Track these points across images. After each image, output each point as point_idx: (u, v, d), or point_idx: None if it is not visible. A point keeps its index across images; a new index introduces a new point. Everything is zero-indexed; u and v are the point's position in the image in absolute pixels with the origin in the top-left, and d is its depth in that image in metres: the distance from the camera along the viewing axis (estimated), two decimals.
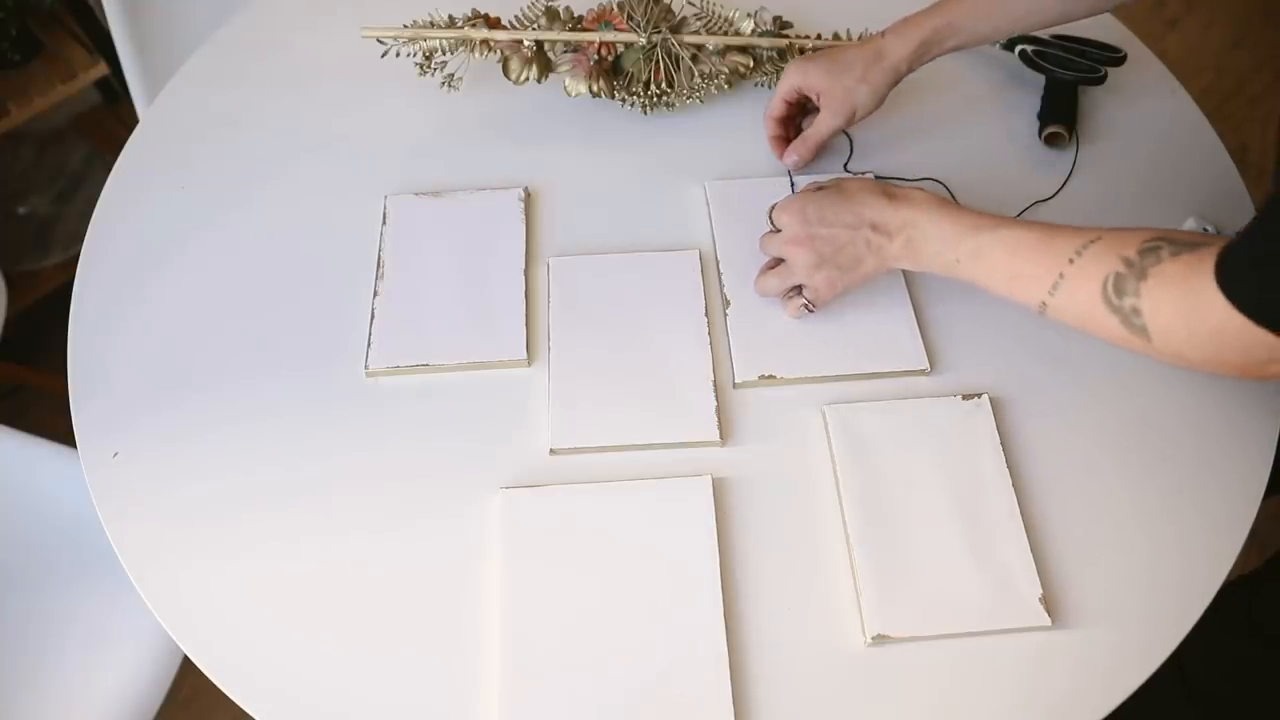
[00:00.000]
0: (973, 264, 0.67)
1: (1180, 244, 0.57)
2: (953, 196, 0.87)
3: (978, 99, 0.96)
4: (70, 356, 0.79)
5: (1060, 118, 0.91)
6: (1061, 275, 0.61)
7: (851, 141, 0.91)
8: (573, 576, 0.67)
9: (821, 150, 0.87)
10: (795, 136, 0.87)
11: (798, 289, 0.77)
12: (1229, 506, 0.71)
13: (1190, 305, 0.54)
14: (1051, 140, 0.91)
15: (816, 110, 0.85)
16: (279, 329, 0.80)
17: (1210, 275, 0.53)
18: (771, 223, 0.78)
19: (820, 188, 0.76)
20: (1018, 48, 0.96)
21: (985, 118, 0.94)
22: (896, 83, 0.82)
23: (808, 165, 0.87)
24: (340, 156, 0.91)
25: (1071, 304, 0.61)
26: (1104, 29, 1.01)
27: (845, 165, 0.90)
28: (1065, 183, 0.88)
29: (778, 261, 0.78)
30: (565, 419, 0.74)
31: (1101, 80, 0.92)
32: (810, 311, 0.77)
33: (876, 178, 0.88)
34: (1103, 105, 0.95)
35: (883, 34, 0.81)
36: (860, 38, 0.94)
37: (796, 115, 0.88)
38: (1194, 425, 0.75)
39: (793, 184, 0.86)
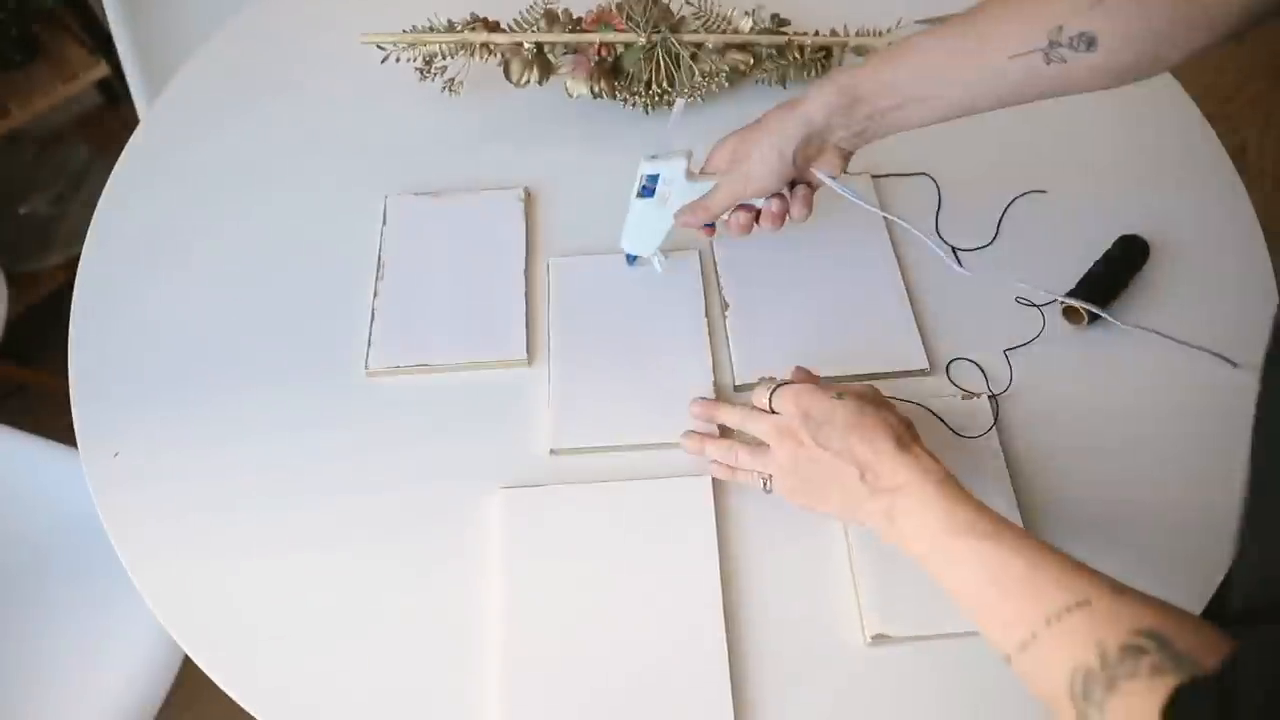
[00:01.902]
0: (944, 567, 0.56)
1: (1175, 655, 0.44)
2: (940, 192, 0.87)
3: None
4: (71, 356, 0.79)
5: (1092, 296, 0.78)
6: (1034, 635, 0.50)
7: None
8: (573, 576, 0.67)
9: (743, 214, 0.74)
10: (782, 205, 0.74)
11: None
12: (1229, 506, 0.71)
13: None
14: (1068, 315, 0.80)
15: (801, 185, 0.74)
16: (279, 329, 0.80)
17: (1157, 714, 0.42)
18: (769, 402, 0.67)
19: (840, 393, 0.65)
20: None
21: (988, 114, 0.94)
22: (820, 140, 0.69)
23: (744, 231, 0.75)
24: (340, 157, 0.91)
25: (1038, 678, 0.50)
26: None
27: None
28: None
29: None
30: (565, 419, 0.74)
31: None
32: (765, 490, 0.68)
33: (873, 177, 0.89)
34: (1101, 105, 0.95)
35: (813, 84, 0.70)
36: (857, 33, 0.94)
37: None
38: (1193, 426, 0.75)
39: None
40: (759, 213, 0.74)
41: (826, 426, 0.63)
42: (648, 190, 0.74)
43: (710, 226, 0.76)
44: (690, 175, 0.73)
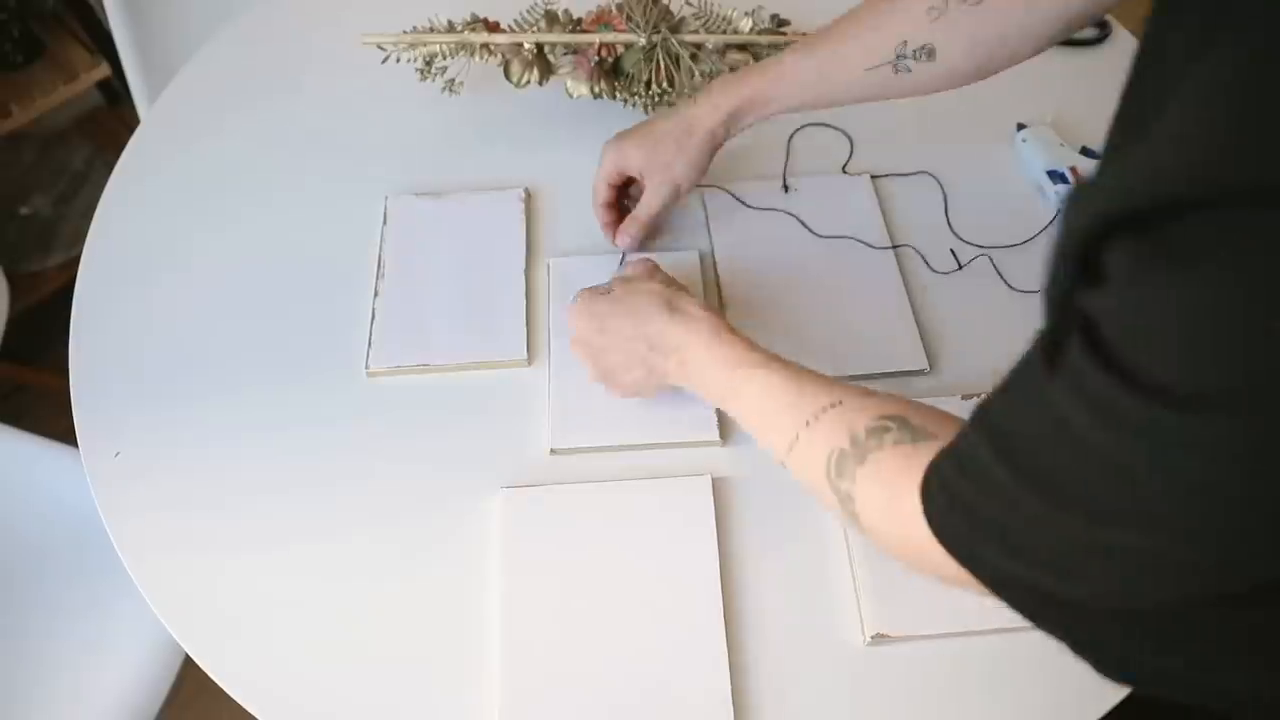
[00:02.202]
0: (732, 402, 0.64)
1: (913, 429, 0.51)
2: (944, 193, 0.87)
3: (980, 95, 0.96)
4: (72, 356, 0.79)
5: None
6: (797, 437, 0.57)
7: (852, 142, 0.91)
8: (573, 576, 0.67)
9: (654, 230, 0.83)
10: (624, 216, 0.83)
11: None
12: None
13: (891, 505, 0.48)
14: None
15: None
16: (280, 329, 0.80)
17: (918, 477, 0.46)
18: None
19: (607, 291, 0.72)
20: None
21: (985, 115, 0.94)
22: (717, 149, 0.79)
23: (642, 243, 0.83)
24: (341, 157, 0.92)
25: (804, 470, 0.57)
26: (1104, 27, 1.01)
27: (844, 167, 0.90)
28: None
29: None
30: (565, 419, 0.74)
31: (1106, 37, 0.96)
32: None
33: (872, 177, 0.89)
34: (1100, 104, 0.95)
35: (696, 100, 0.78)
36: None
37: (622, 196, 0.84)
38: None
39: (623, 259, 0.83)
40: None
41: (607, 321, 0.70)
42: None
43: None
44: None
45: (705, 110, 0.77)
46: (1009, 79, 0.97)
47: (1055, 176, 0.87)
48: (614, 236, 0.83)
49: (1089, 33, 0.98)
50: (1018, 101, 0.95)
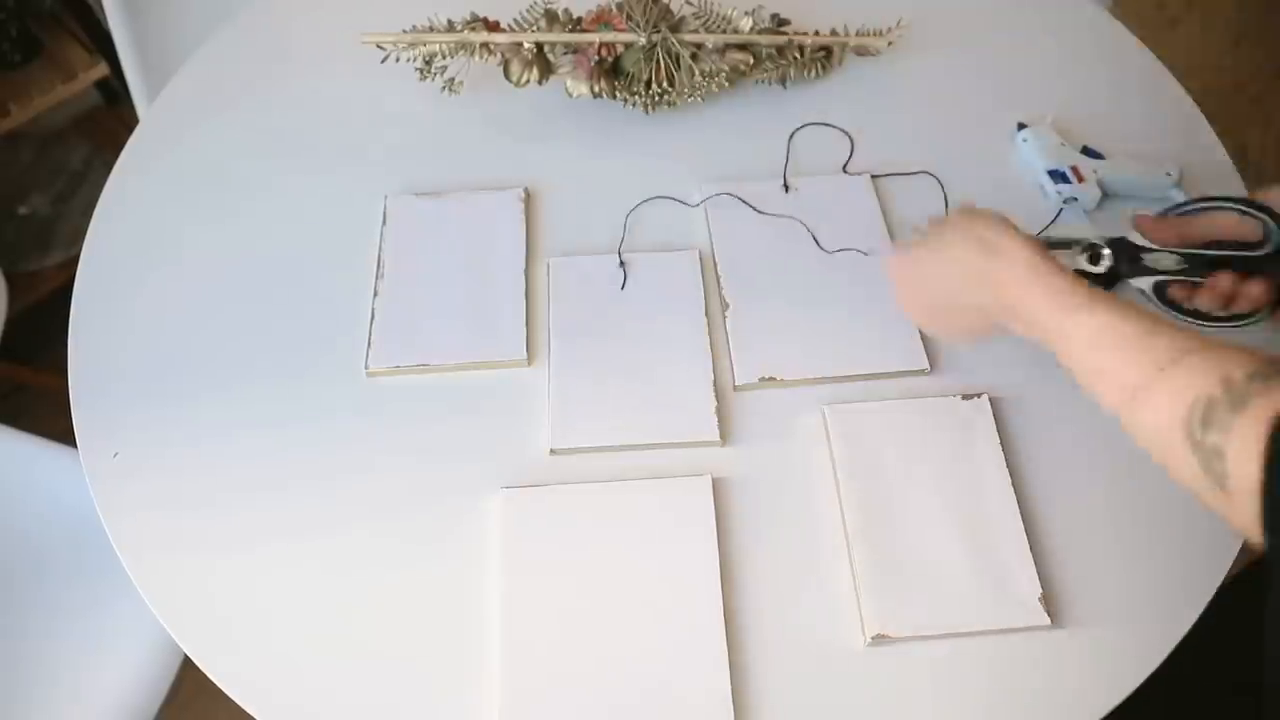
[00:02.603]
0: (1058, 342, 0.58)
1: None
2: (945, 192, 0.87)
3: (981, 94, 0.96)
4: (70, 356, 0.79)
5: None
6: (1147, 382, 0.51)
7: (852, 142, 0.91)
8: (573, 576, 0.67)
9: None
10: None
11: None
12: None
13: None
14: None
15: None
16: (279, 329, 0.80)
17: None
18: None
19: (924, 240, 0.69)
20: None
21: (986, 114, 0.94)
22: None
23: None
24: (340, 157, 0.91)
25: (1148, 422, 0.51)
26: (1104, 27, 1.01)
27: (844, 167, 0.90)
28: None
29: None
30: (565, 419, 0.74)
31: None
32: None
33: (872, 176, 0.89)
34: (1100, 104, 0.95)
35: None
36: (857, 33, 0.94)
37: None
38: None
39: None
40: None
41: (925, 266, 0.68)
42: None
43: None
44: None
45: None
46: (1010, 78, 0.97)
47: (1056, 176, 0.87)
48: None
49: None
50: (1018, 101, 0.95)
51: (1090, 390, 0.56)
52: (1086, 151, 0.88)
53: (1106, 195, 0.87)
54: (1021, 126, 0.91)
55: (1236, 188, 0.88)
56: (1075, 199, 0.86)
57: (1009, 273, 0.61)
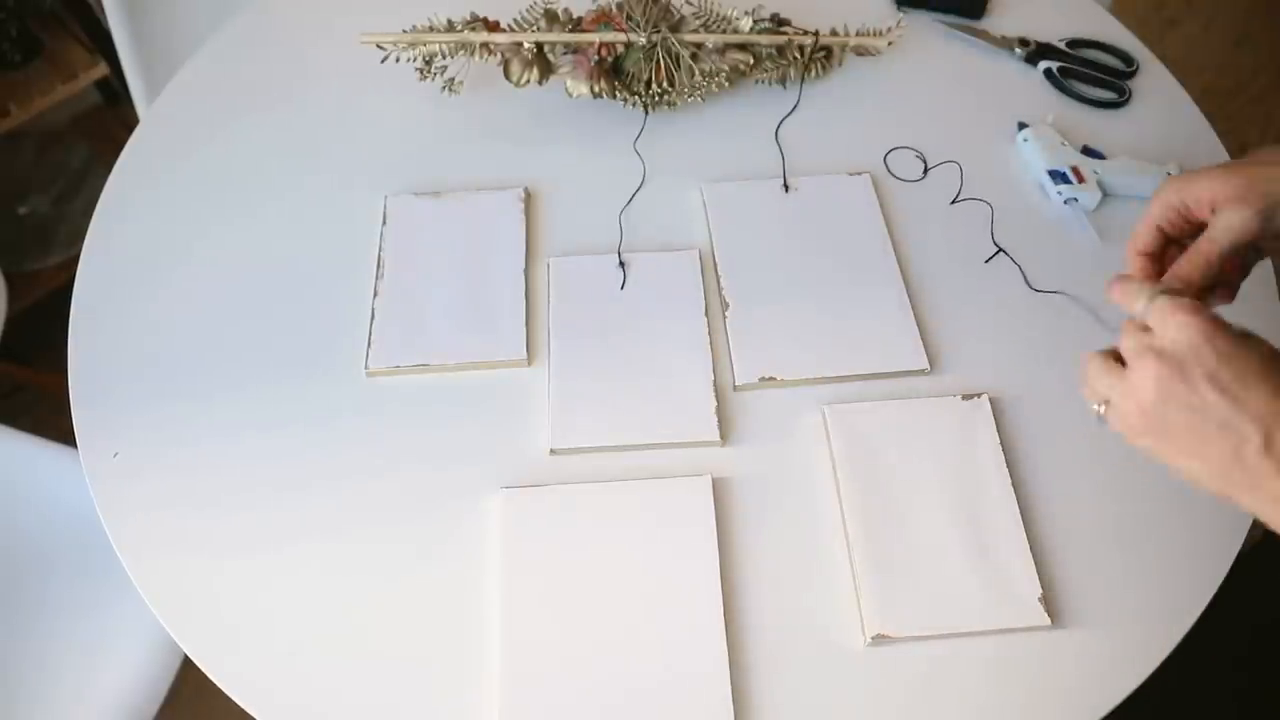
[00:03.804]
0: None
1: None
2: (945, 192, 0.87)
3: (981, 94, 0.96)
4: (70, 356, 0.79)
5: None
6: None
7: (853, 142, 0.91)
8: (573, 576, 0.67)
9: (1226, 273, 0.57)
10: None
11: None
12: (1228, 505, 0.71)
13: None
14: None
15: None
16: (279, 329, 0.80)
17: None
18: (1142, 310, 0.53)
19: (1229, 334, 0.50)
20: (1041, 65, 0.96)
21: (986, 114, 0.94)
22: None
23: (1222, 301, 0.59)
24: (340, 157, 0.91)
25: None
26: (1105, 29, 1.01)
27: (845, 167, 0.90)
28: None
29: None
30: (565, 419, 0.74)
31: (1126, 103, 0.94)
32: (1098, 419, 0.55)
33: (873, 176, 0.89)
34: (1102, 103, 0.95)
35: None
36: (857, 33, 0.94)
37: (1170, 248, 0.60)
38: None
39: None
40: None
41: (1228, 367, 0.49)
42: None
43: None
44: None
45: None
46: (1010, 78, 0.97)
47: (1056, 176, 0.87)
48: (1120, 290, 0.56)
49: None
50: (1019, 100, 0.95)
51: None
52: (1087, 151, 0.88)
53: (1107, 195, 0.87)
54: (1022, 126, 0.91)
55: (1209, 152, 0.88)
56: (1076, 199, 0.86)
57: None
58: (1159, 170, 0.87)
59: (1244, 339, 0.50)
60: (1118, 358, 0.53)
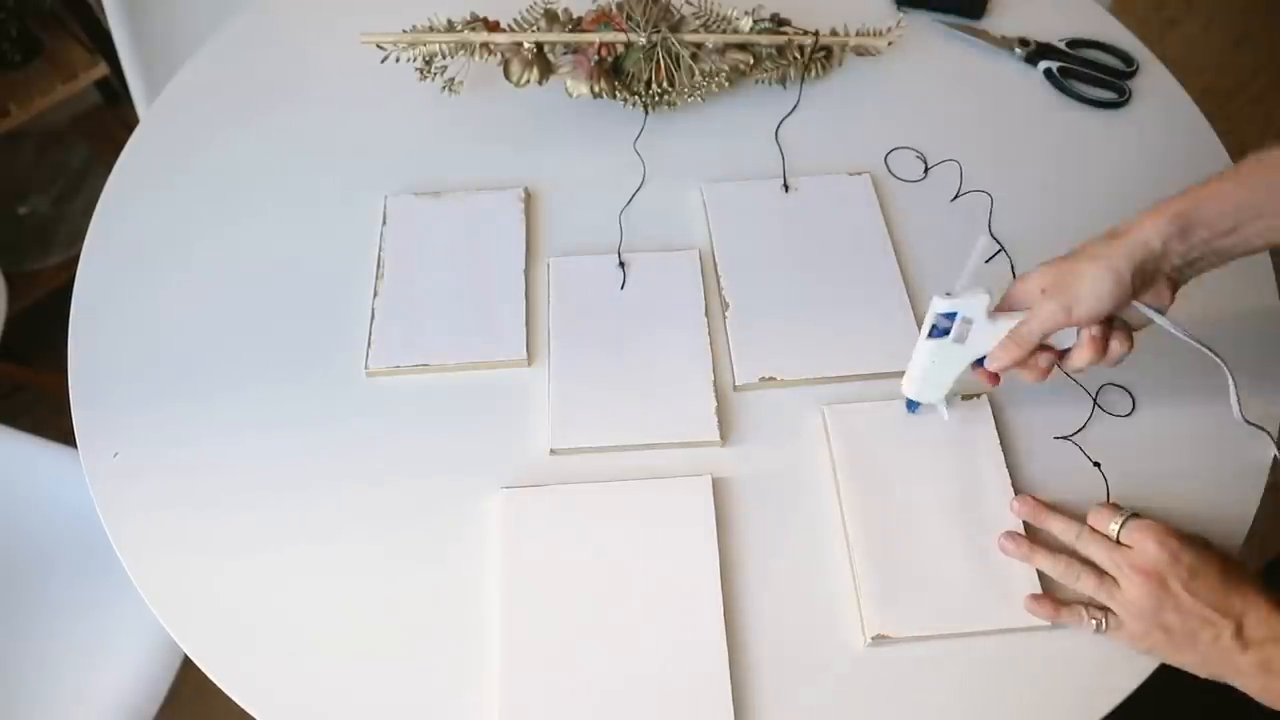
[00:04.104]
0: None
1: None
2: (961, 175, 0.87)
3: (981, 94, 0.96)
4: (70, 356, 0.79)
5: None
6: None
7: (853, 142, 0.91)
8: (573, 576, 0.67)
9: (1046, 355, 0.67)
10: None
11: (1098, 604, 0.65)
12: (1228, 506, 0.71)
13: None
14: None
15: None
16: (279, 329, 0.80)
17: None
18: (1116, 532, 0.64)
19: (1191, 548, 0.62)
20: (1041, 65, 0.96)
21: (988, 115, 0.94)
22: (1153, 267, 0.63)
23: (1042, 376, 0.68)
24: (340, 157, 0.91)
25: None
26: (1105, 29, 1.01)
27: (845, 167, 0.90)
28: None
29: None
30: (565, 419, 0.74)
31: (1126, 103, 0.94)
32: (1096, 630, 0.64)
33: (873, 177, 0.89)
34: (1101, 108, 0.95)
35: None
36: (857, 33, 0.94)
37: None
38: (1193, 425, 0.75)
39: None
40: (1061, 354, 0.67)
41: (1201, 577, 0.61)
42: (940, 330, 0.67)
43: (997, 376, 0.69)
44: (992, 315, 0.66)
45: (1141, 230, 0.63)
46: (1010, 78, 0.97)
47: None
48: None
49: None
50: (1019, 100, 0.95)
51: None
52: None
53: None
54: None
55: None
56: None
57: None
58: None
59: (1203, 551, 0.62)
60: (1088, 564, 0.65)
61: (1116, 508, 0.66)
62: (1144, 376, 0.77)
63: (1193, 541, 0.63)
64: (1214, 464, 0.73)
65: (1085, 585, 0.65)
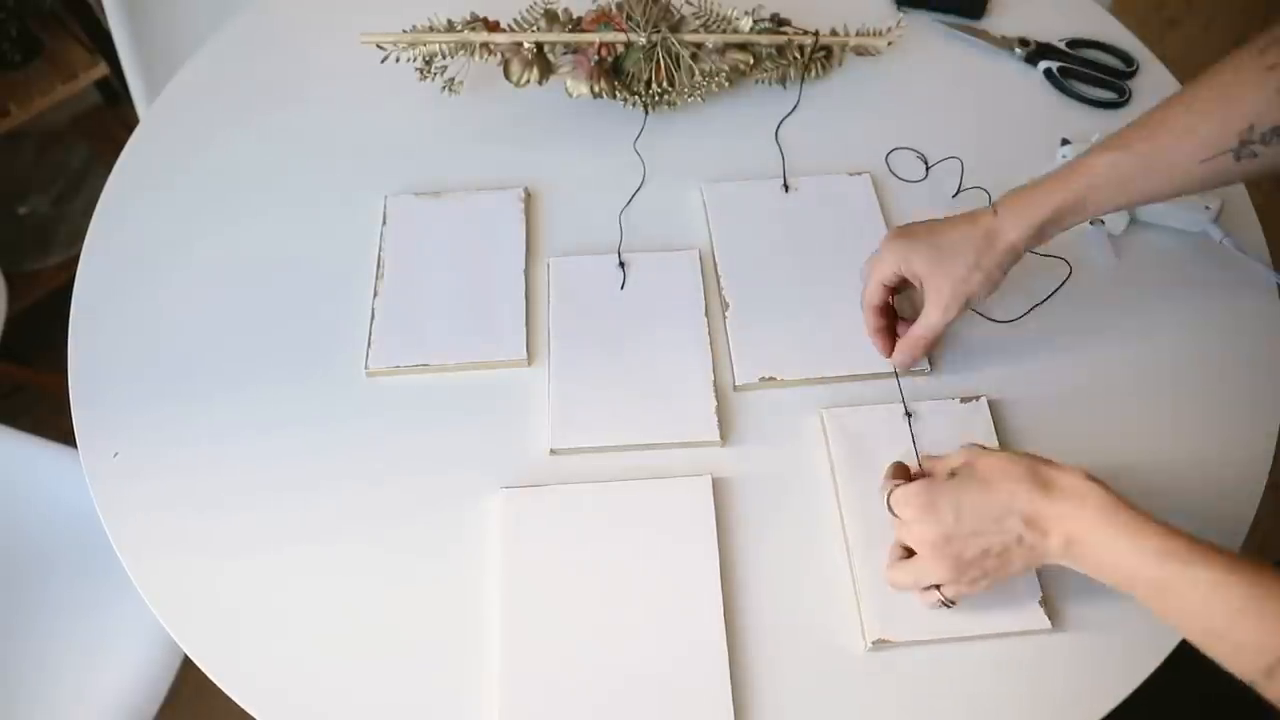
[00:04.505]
0: (1157, 598, 0.55)
1: None
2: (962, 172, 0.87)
3: (980, 95, 0.96)
4: (70, 356, 0.79)
5: None
6: None
7: (853, 142, 0.91)
8: (573, 576, 0.67)
9: (930, 347, 0.75)
10: (892, 320, 0.76)
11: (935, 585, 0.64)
12: (1228, 506, 0.71)
13: None
14: None
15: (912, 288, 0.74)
16: (279, 329, 0.80)
17: None
18: (890, 508, 0.64)
19: (950, 472, 0.64)
20: (1042, 65, 0.96)
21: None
22: (1015, 262, 0.70)
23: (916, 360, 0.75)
24: (340, 157, 0.91)
25: None
26: (1105, 29, 1.01)
27: (845, 167, 0.90)
28: None
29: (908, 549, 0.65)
30: (565, 419, 0.74)
31: (1126, 103, 0.94)
32: (948, 607, 0.64)
33: (873, 177, 0.88)
34: (1102, 109, 0.95)
35: (994, 209, 0.70)
36: (857, 33, 0.94)
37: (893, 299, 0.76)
38: (1193, 425, 0.75)
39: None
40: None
41: (965, 511, 0.60)
42: None
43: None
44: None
45: (1010, 223, 0.68)
46: (1010, 78, 0.97)
47: None
48: (885, 347, 0.76)
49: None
50: (1019, 101, 0.95)
51: (1206, 651, 0.54)
52: None
53: (1134, 221, 0.85)
54: (1065, 142, 0.88)
55: (1237, 188, 0.88)
56: (1103, 221, 0.84)
57: (1075, 513, 0.57)
58: (1197, 202, 0.84)
59: (953, 487, 0.62)
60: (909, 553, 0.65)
61: (888, 482, 0.66)
62: (1143, 376, 0.77)
63: (943, 485, 0.62)
64: (1214, 464, 0.73)
65: (904, 580, 0.65)
